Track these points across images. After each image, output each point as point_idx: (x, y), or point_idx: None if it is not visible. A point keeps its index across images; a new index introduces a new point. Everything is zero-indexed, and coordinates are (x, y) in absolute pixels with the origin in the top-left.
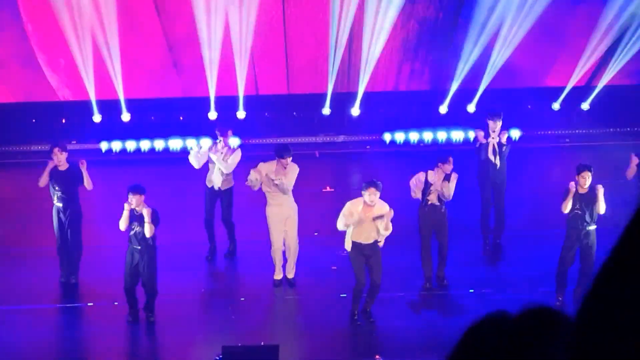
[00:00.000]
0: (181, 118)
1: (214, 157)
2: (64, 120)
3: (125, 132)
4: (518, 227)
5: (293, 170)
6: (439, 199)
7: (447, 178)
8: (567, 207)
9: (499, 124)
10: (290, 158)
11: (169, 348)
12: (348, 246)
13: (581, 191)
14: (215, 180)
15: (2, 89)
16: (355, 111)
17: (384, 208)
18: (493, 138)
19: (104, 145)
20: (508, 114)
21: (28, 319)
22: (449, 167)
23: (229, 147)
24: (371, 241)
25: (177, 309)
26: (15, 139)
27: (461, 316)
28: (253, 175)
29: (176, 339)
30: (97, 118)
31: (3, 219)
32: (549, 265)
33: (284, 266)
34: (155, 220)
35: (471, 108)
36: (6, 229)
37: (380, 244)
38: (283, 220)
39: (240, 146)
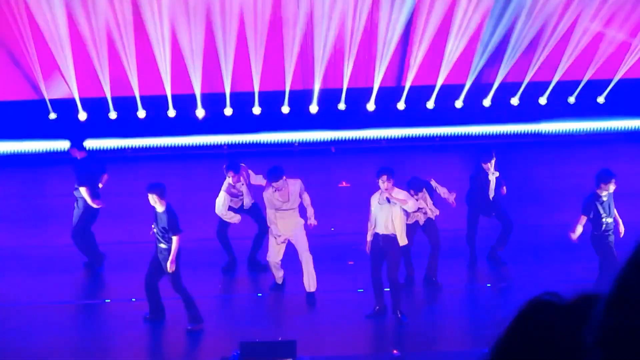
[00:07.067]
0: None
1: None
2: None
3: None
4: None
5: (294, 187)
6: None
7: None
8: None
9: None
10: (282, 179)
11: (186, 344)
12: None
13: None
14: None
15: None
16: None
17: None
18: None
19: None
20: None
21: (46, 315)
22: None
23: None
24: (388, 232)
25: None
26: None
27: (476, 310)
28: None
29: (194, 335)
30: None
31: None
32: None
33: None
34: (174, 226)
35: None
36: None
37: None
38: (285, 235)
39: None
